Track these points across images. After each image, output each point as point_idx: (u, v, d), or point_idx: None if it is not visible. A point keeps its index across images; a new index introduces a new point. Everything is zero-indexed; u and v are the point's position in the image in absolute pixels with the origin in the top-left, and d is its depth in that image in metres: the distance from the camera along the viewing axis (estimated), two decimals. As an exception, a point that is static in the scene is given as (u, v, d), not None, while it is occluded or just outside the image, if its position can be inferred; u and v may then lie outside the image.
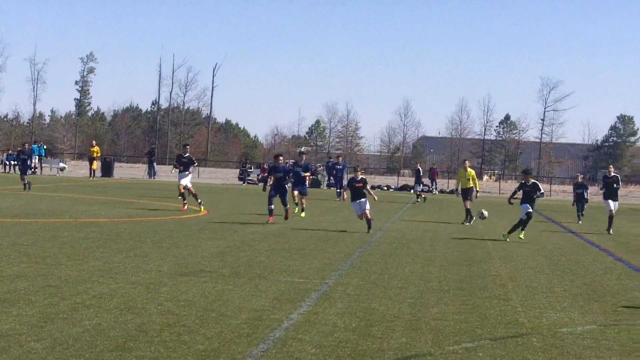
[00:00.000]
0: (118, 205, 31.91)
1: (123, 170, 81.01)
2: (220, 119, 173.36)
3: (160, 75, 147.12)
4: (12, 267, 14.98)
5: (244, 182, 67.78)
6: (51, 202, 32.80)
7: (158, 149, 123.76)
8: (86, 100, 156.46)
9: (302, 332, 10.61)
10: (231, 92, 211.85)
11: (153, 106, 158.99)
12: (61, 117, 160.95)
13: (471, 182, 32.41)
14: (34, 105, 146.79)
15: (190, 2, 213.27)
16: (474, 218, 31.65)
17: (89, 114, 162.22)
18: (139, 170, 78.73)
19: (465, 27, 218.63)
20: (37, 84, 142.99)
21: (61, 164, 67.54)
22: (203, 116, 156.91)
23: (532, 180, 25.90)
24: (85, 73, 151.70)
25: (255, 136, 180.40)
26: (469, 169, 32.79)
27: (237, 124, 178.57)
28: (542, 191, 25.85)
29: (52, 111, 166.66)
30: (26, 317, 10.70)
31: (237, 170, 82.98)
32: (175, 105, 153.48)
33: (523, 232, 25.36)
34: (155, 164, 69.95)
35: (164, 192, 44.41)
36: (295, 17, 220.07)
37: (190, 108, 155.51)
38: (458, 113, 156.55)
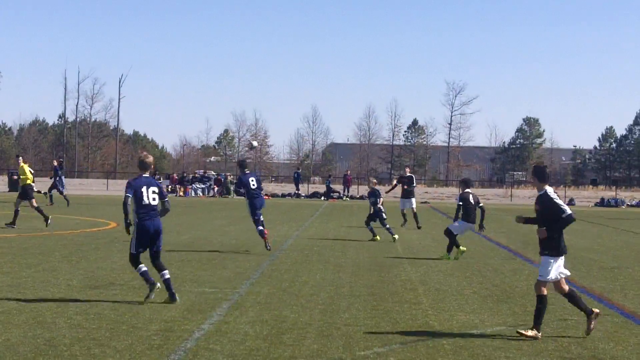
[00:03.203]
0: (26, 220, 31.37)
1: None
2: (128, 130, 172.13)
3: (65, 88, 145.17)
4: None
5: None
6: (-44, 218, 32.14)
7: (66, 162, 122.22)
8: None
9: (213, 342, 10.60)
10: (138, 103, 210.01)
11: (59, 119, 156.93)
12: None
13: (28, 177, 28.96)
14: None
15: (93, 13, 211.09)
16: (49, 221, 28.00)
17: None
18: (46, 185, 77.45)
19: (369, 32, 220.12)
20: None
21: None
22: (111, 128, 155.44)
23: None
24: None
25: (163, 147, 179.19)
26: (22, 164, 29.34)
27: (145, 135, 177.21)
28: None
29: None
30: None
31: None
32: (82, 117, 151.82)
33: None
34: (63, 177, 69.04)
35: (72, 205, 43.91)
36: (198, 25, 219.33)
37: (97, 120, 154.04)
38: (366, 119, 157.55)
